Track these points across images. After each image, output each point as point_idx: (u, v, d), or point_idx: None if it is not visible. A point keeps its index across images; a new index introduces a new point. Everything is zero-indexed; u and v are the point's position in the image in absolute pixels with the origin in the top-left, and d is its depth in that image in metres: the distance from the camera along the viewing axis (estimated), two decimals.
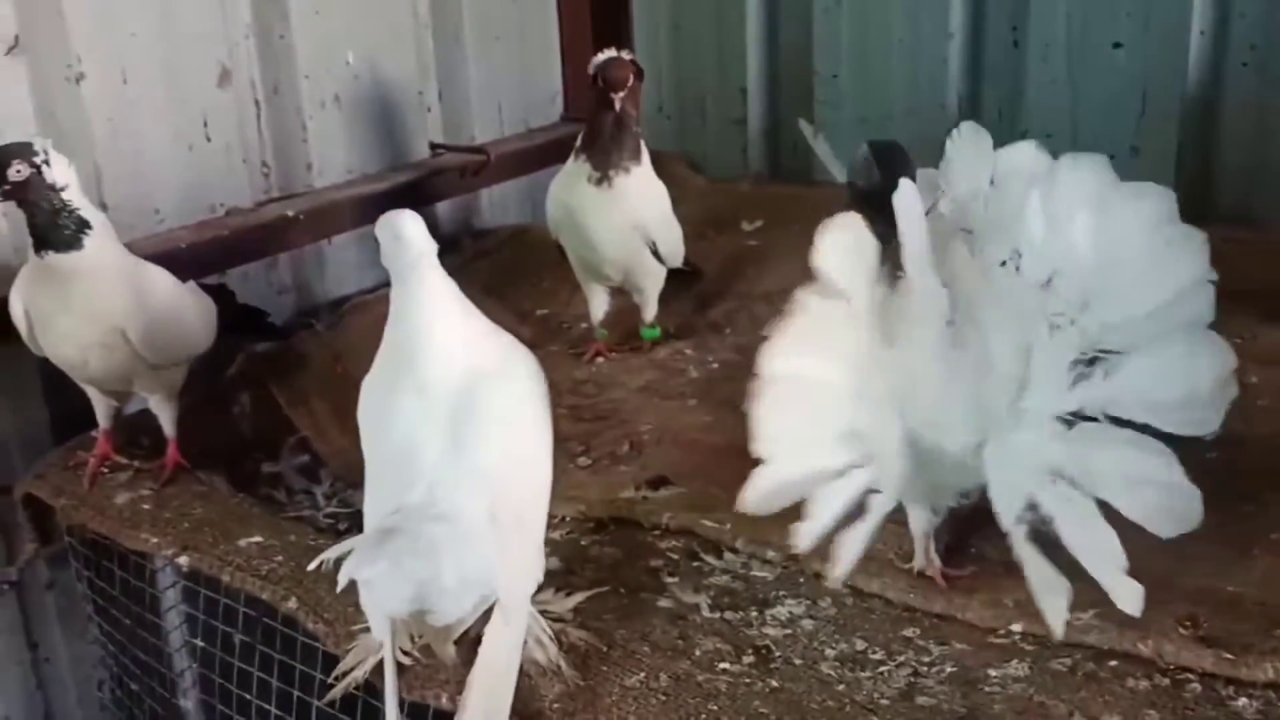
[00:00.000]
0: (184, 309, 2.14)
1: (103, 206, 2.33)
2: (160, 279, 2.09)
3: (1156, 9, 2.76)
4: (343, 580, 1.29)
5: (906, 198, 1.54)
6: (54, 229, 1.92)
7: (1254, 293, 2.57)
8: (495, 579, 1.35)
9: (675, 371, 2.64)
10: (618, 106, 2.51)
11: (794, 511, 1.95)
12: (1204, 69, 2.74)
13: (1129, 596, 1.42)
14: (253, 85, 2.70)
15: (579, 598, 1.65)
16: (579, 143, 2.60)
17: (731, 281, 3.00)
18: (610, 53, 2.57)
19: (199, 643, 2.09)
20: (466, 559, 1.29)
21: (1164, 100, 2.79)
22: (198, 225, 2.58)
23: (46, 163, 1.91)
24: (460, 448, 1.42)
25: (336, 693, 1.53)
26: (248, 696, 1.97)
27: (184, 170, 2.57)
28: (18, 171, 1.88)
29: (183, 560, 1.91)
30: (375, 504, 1.48)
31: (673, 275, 2.80)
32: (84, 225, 1.94)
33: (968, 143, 1.76)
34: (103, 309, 1.98)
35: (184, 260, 2.43)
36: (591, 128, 2.58)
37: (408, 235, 1.44)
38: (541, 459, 1.56)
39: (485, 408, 1.44)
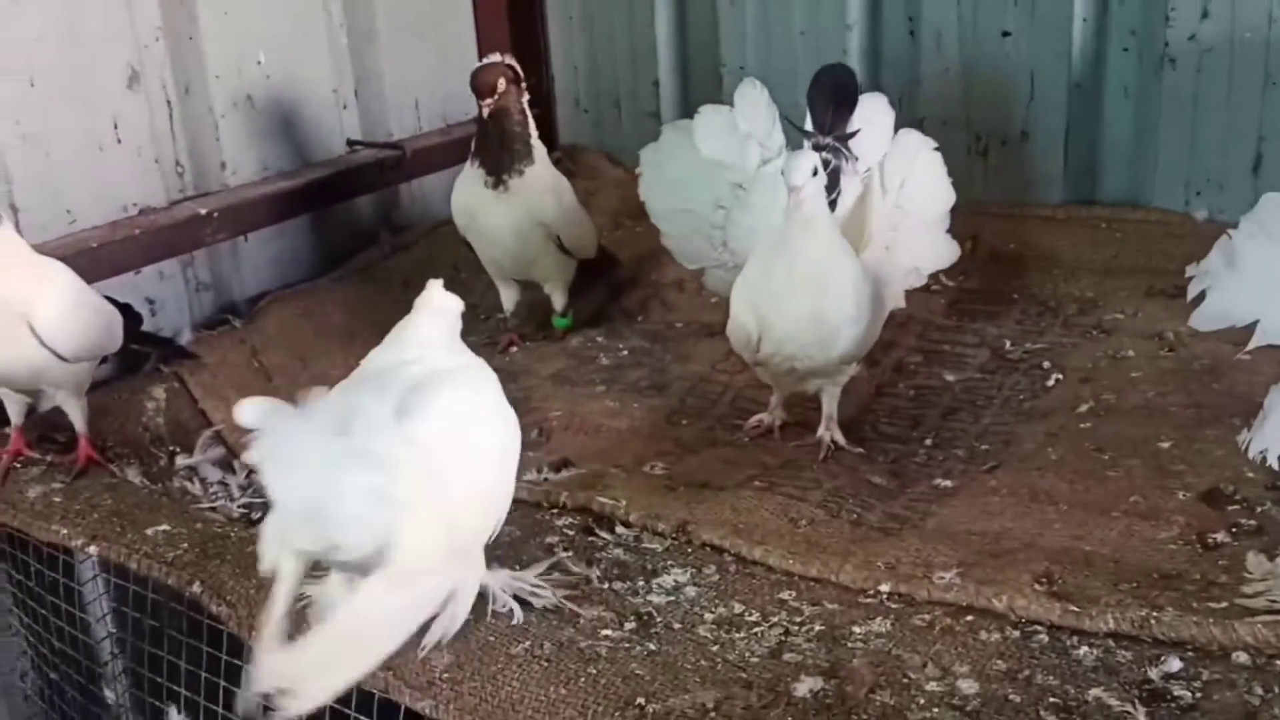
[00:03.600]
0: (89, 308, 2.16)
1: (13, 209, 2.37)
2: (64, 275, 2.11)
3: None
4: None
5: None
6: None
7: (1138, 269, 2.69)
8: (397, 536, 1.40)
9: (586, 359, 2.72)
10: (484, 114, 2.57)
11: (685, 489, 2.05)
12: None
13: None
14: (164, 86, 2.73)
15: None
16: (472, 148, 2.66)
17: (646, 270, 3.06)
18: (488, 59, 2.64)
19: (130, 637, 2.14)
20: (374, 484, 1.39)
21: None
22: (109, 225, 2.61)
23: None
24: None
25: None
26: (176, 688, 2.03)
27: (95, 172, 2.60)
28: None
29: (92, 549, 1.97)
30: None
31: (589, 265, 2.86)
32: None
33: None
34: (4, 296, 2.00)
35: (96, 259, 2.48)
36: (479, 134, 2.64)
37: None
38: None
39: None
